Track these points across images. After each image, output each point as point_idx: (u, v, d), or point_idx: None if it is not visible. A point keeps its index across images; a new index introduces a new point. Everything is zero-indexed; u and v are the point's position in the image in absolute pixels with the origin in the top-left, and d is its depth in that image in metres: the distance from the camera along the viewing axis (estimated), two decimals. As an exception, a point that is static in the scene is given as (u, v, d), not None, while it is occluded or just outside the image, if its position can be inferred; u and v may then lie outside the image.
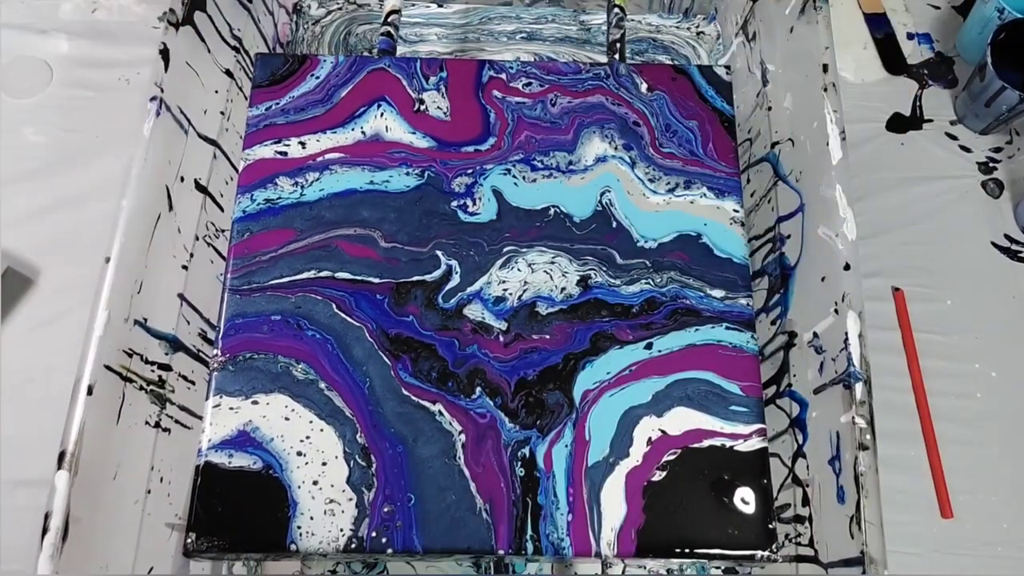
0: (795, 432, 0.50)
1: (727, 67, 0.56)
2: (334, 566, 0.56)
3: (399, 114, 0.53)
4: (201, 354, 0.53)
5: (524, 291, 0.49)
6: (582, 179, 0.52)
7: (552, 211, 0.51)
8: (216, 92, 0.57)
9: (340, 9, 0.78)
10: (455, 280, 0.49)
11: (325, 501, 0.43)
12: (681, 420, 0.46)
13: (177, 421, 0.50)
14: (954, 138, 0.73)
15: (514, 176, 0.51)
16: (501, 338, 0.47)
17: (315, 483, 0.44)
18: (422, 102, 0.53)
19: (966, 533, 0.59)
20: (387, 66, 0.55)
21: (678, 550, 0.44)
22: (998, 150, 0.73)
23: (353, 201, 0.50)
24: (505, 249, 0.50)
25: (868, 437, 0.42)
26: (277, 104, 0.53)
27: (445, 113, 0.53)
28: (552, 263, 0.49)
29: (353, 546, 0.43)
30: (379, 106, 0.53)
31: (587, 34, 0.78)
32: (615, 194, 0.51)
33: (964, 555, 0.59)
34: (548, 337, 0.47)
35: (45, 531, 0.38)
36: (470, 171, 0.51)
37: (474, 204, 0.51)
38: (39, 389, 0.60)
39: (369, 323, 0.47)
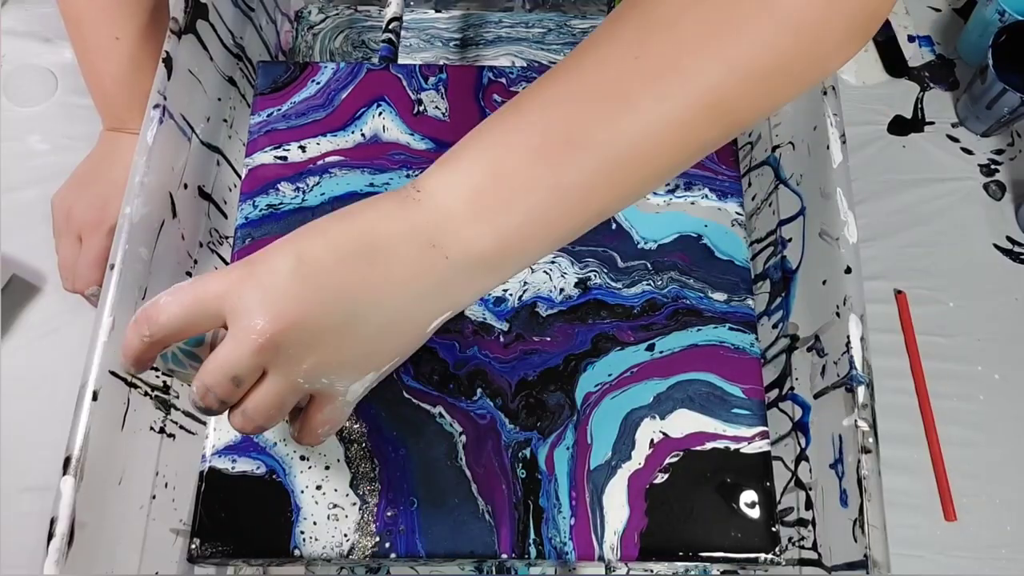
0: (797, 435, 0.50)
1: (727, 71, 0.56)
2: (338, 571, 0.56)
3: (398, 115, 0.53)
4: (205, 360, 0.53)
5: (524, 291, 0.49)
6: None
7: (553, 215, 0.51)
8: (219, 100, 0.58)
9: (337, 14, 0.79)
10: (456, 284, 0.49)
11: (328, 506, 0.44)
12: (683, 422, 0.46)
13: (182, 427, 0.50)
14: (956, 140, 0.74)
15: (514, 180, 0.52)
16: (502, 339, 0.47)
17: (318, 488, 0.44)
18: (420, 103, 0.54)
19: (969, 535, 0.59)
20: (387, 68, 0.55)
21: (681, 553, 0.44)
22: (1000, 152, 0.73)
23: (354, 205, 0.50)
24: (506, 252, 0.50)
25: (871, 440, 0.42)
26: (279, 110, 0.53)
27: (444, 114, 0.54)
28: (552, 263, 0.49)
29: (357, 551, 0.43)
30: (378, 106, 0.54)
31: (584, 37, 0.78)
32: (616, 198, 0.51)
33: (967, 557, 0.59)
34: (549, 339, 0.48)
35: (51, 536, 0.38)
36: (471, 175, 0.52)
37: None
38: (44, 395, 0.60)
39: (371, 327, 0.47)
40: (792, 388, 0.51)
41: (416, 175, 0.51)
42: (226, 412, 0.33)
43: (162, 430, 0.49)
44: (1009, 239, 0.69)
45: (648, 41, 0.32)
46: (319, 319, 0.31)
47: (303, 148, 0.52)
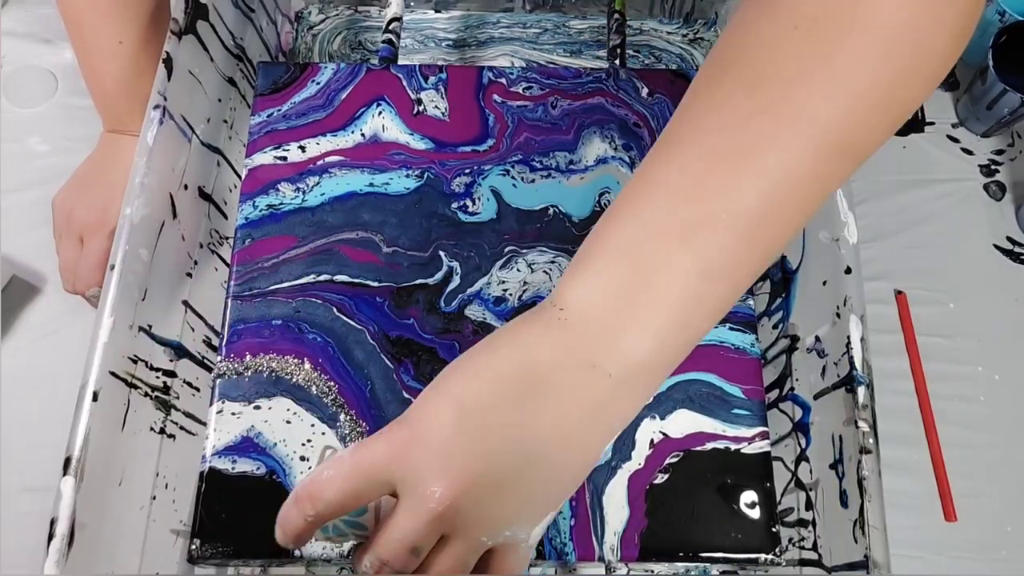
0: (798, 436, 0.50)
1: (727, 72, 0.56)
2: (338, 572, 0.56)
3: (397, 114, 0.53)
4: (205, 360, 0.53)
5: (524, 291, 0.49)
6: (581, 179, 0.52)
7: (551, 211, 0.51)
8: (219, 101, 0.58)
9: (336, 15, 0.79)
10: (456, 281, 0.49)
11: (329, 506, 0.43)
12: (683, 423, 0.46)
13: (182, 427, 0.50)
14: (956, 141, 0.74)
15: (513, 177, 0.52)
16: (502, 340, 0.47)
17: (318, 488, 0.44)
18: (420, 102, 0.54)
19: (970, 536, 0.59)
20: (387, 68, 0.55)
21: (681, 554, 0.44)
22: (1000, 152, 0.73)
23: (354, 204, 0.50)
24: (506, 250, 0.50)
25: (871, 441, 0.42)
26: (279, 111, 0.53)
27: (443, 113, 0.54)
28: (552, 263, 0.49)
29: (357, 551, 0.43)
30: (378, 105, 0.54)
31: (579, 37, 0.78)
32: (614, 195, 0.51)
33: (967, 558, 0.59)
34: (549, 340, 0.47)
35: (51, 537, 0.38)
36: (468, 171, 0.52)
37: (474, 204, 0.51)
38: (44, 395, 0.60)
39: (370, 325, 0.47)
40: (792, 388, 0.51)
41: (415, 174, 0.51)
42: None
43: (162, 431, 0.49)
44: (1009, 239, 0.69)
45: (754, 96, 0.30)
46: (497, 471, 0.29)
47: (303, 148, 0.52)
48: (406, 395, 0.46)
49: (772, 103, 0.30)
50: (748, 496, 0.44)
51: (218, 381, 0.46)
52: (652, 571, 0.52)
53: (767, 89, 0.30)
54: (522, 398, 0.29)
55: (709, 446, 0.45)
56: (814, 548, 0.46)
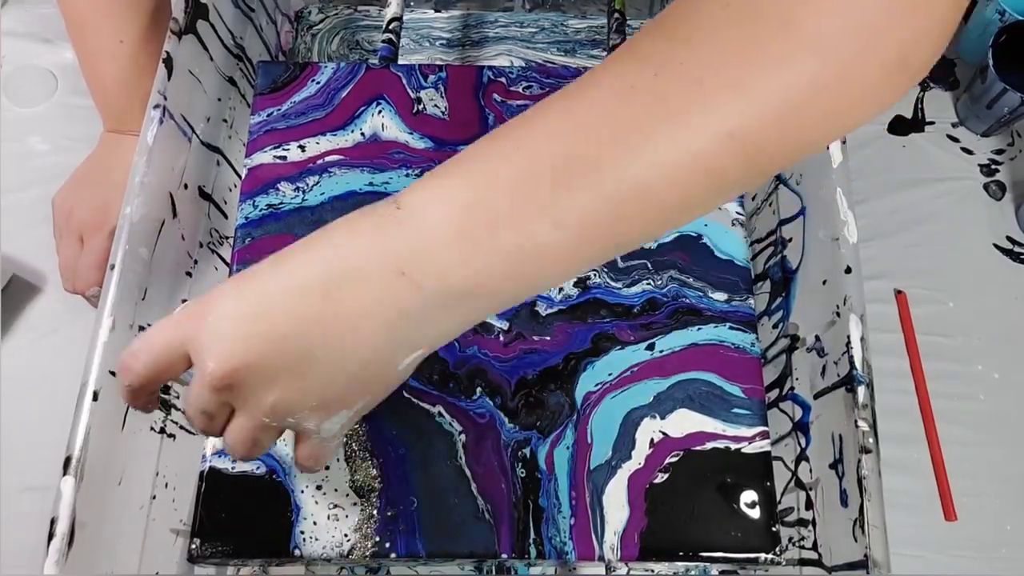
0: (798, 435, 0.50)
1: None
2: (338, 571, 0.56)
3: (397, 113, 0.53)
4: (205, 360, 0.53)
5: (524, 291, 0.49)
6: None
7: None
8: (219, 100, 0.58)
9: (336, 15, 0.79)
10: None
11: (328, 506, 0.44)
12: (683, 422, 0.46)
13: (182, 427, 0.50)
14: (956, 140, 0.74)
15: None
16: (502, 337, 0.47)
17: (318, 488, 0.44)
18: (419, 101, 0.54)
19: (969, 535, 0.59)
20: (387, 68, 0.55)
21: (681, 553, 0.44)
22: (1000, 152, 0.73)
23: (354, 203, 0.50)
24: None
25: (871, 440, 0.42)
26: (278, 110, 0.53)
27: (443, 113, 0.54)
28: (552, 265, 0.49)
29: (357, 551, 0.43)
30: (378, 104, 0.54)
31: (575, 36, 0.78)
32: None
33: (967, 557, 0.59)
34: (549, 338, 0.48)
35: (51, 536, 0.38)
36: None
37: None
38: (44, 395, 0.60)
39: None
40: (792, 388, 0.51)
41: (415, 173, 0.51)
42: None
43: (162, 430, 0.49)
44: (1009, 239, 0.69)
45: (668, 61, 0.28)
46: (269, 360, 0.29)
47: (303, 148, 0.52)
48: (406, 394, 0.46)
49: (680, 74, 0.28)
50: (748, 495, 0.44)
51: (218, 380, 0.46)
52: (652, 571, 0.52)
53: (680, 59, 0.28)
54: (310, 293, 0.29)
55: (709, 445, 0.45)
56: (814, 547, 0.46)
